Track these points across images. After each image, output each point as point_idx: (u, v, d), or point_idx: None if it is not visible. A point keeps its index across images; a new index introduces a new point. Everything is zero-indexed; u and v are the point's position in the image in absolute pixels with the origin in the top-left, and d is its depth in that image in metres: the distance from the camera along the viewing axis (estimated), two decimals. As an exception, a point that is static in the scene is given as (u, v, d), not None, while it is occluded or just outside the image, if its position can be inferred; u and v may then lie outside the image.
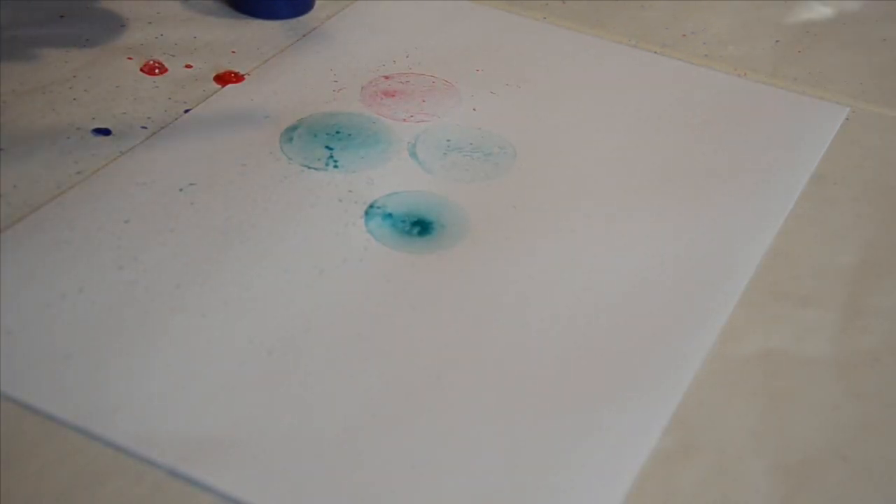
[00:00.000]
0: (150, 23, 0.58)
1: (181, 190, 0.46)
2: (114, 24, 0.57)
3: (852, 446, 0.38)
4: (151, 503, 0.35)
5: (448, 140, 0.50)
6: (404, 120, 0.51)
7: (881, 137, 0.52)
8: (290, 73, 0.54)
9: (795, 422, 0.38)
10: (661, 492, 0.36)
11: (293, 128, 0.50)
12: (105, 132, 0.50)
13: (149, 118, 0.51)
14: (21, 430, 0.36)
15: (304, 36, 0.57)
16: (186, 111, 0.51)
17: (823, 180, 0.49)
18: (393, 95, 0.53)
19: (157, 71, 0.54)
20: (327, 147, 0.49)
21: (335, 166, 0.48)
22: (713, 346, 0.41)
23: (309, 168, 0.48)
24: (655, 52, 0.57)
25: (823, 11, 0.62)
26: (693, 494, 0.36)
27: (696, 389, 0.39)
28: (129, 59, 0.55)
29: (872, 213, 0.47)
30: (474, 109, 0.52)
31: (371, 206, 0.46)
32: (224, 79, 0.54)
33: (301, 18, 0.59)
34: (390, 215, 0.46)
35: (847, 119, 0.53)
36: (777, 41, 0.59)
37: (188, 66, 0.54)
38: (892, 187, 0.49)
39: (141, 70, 0.54)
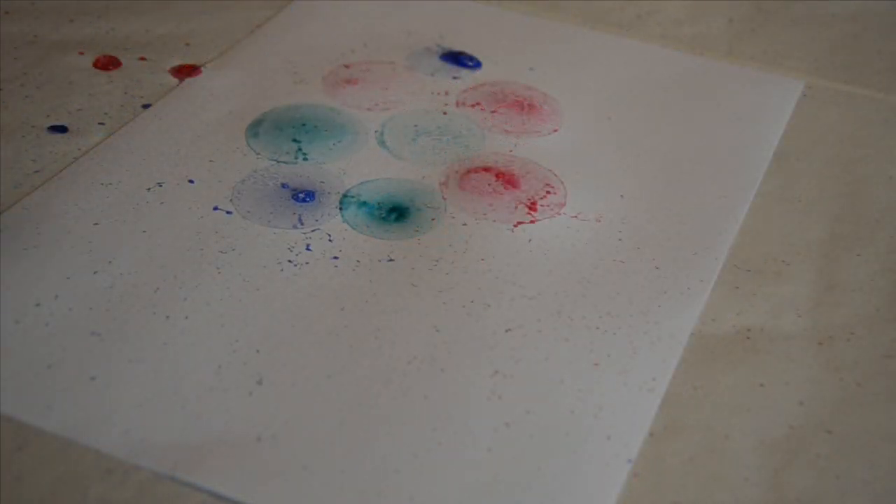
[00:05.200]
0: (99, 17, 0.56)
1: (149, 189, 0.45)
2: (61, 20, 0.56)
3: (836, 419, 0.38)
4: (144, 510, 0.34)
5: (415, 125, 0.50)
6: (369, 109, 0.51)
7: (838, 112, 0.53)
8: (248, 64, 0.53)
9: (778, 397, 0.39)
10: (651, 472, 0.36)
11: (258, 122, 0.50)
12: (61, 129, 0.49)
13: (105, 114, 0.50)
14: None
15: (258, 27, 0.56)
16: (145, 106, 0.50)
17: (786, 157, 0.50)
18: (355, 83, 0.52)
19: (110, 66, 0.53)
20: (294, 140, 0.49)
21: (304, 159, 0.48)
22: (695, 327, 0.41)
23: (278, 162, 0.47)
24: (612, 34, 0.58)
25: (772, -12, 0.63)
26: (683, 473, 0.36)
27: (680, 369, 0.40)
28: (81, 53, 0.53)
29: (836, 188, 0.48)
30: (437, 94, 0.52)
31: (345, 196, 0.46)
32: (181, 72, 0.53)
33: (254, 10, 0.58)
34: (365, 203, 0.45)
35: (804, 95, 0.54)
36: (731, 20, 0.60)
37: (142, 59, 0.53)
38: (853, 160, 0.50)
39: (94, 65, 0.53)
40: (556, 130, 0.51)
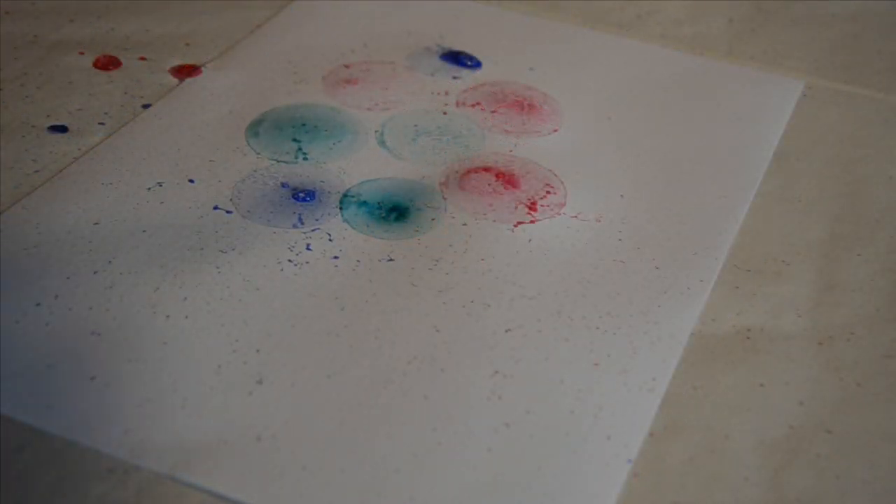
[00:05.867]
0: (99, 17, 0.56)
1: (149, 189, 0.45)
2: (61, 20, 0.56)
3: (836, 419, 0.38)
4: (145, 510, 0.34)
5: (415, 125, 0.50)
6: (369, 108, 0.51)
7: (838, 112, 0.53)
8: (248, 64, 0.53)
9: (778, 397, 0.39)
10: (651, 472, 0.36)
11: (258, 122, 0.50)
12: (61, 129, 0.49)
13: (105, 114, 0.50)
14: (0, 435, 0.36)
15: (258, 27, 0.56)
16: (145, 106, 0.50)
17: (786, 157, 0.50)
18: (355, 83, 0.53)
19: (110, 65, 0.53)
20: (294, 140, 0.49)
21: (304, 158, 0.48)
22: (695, 327, 0.41)
23: (278, 162, 0.47)
24: (612, 34, 0.58)
25: (772, -12, 0.63)
26: (683, 473, 0.36)
27: (680, 369, 0.40)
28: (81, 53, 0.53)
29: (836, 188, 0.48)
30: (438, 94, 0.52)
31: (345, 196, 0.46)
32: (181, 72, 0.53)
33: (254, 10, 0.58)
34: (365, 203, 0.45)
35: (804, 95, 0.54)
36: (731, 20, 0.60)
37: (142, 59, 0.53)
38: (853, 161, 0.50)
39: (94, 65, 0.53)
40: (556, 130, 0.51)
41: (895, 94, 0.54)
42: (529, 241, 0.44)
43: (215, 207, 0.45)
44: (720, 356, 0.40)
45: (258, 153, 0.48)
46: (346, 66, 0.54)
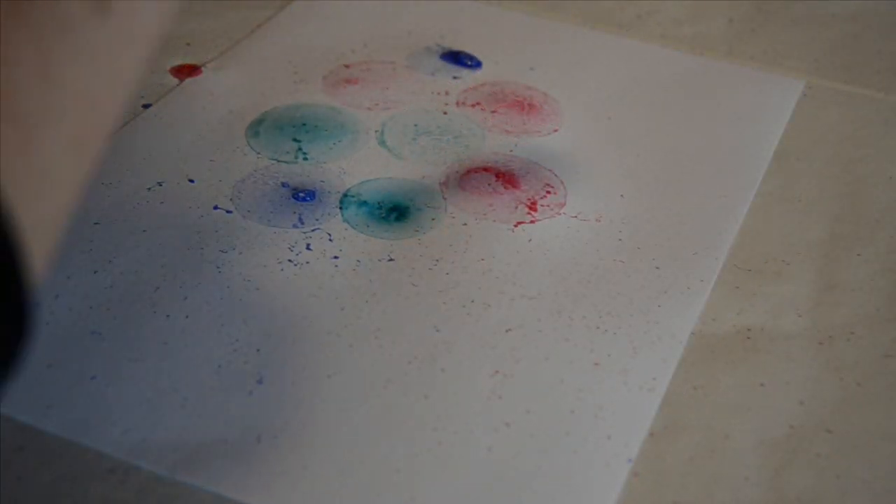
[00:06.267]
0: (99, 16, 0.56)
1: (149, 189, 0.45)
2: (61, 18, 0.56)
3: (836, 419, 0.38)
4: (145, 510, 0.34)
5: (416, 125, 0.50)
6: (369, 108, 0.51)
7: (838, 112, 0.53)
8: (249, 65, 0.53)
9: (778, 397, 0.39)
10: (651, 472, 0.36)
11: (258, 122, 0.50)
12: (61, 130, 0.49)
13: (105, 114, 0.50)
14: None
15: (258, 27, 0.56)
16: (145, 106, 0.50)
17: (786, 157, 0.50)
18: (355, 83, 0.53)
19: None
20: (295, 140, 0.49)
21: (305, 158, 0.48)
22: (695, 326, 0.41)
23: (279, 161, 0.47)
24: (612, 34, 0.58)
25: (772, -12, 0.63)
26: (683, 473, 0.36)
27: (680, 369, 0.40)
28: (81, 54, 0.54)
29: (836, 188, 0.48)
30: (438, 93, 0.52)
31: (345, 196, 0.46)
32: (181, 72, 0.53)
33: (254, 10, 0.58)
34: (366, 203, 0.45)
35: (804, 95, 0.54)
36: (731, 20, 0.60)
37: (142, 60, 0.53)
38: (853, 160, 0.50)
39: (94, 65, 0.53)
40: (556, 130, 0.51)
41: (895, 94, 0.54)
42: (529, 241, 0.44)
43: (215, 207, 0.45)
44: (720, 356, 0.40)
45: (258, 153, 0.48)
46: (347, 66, 0.54)
